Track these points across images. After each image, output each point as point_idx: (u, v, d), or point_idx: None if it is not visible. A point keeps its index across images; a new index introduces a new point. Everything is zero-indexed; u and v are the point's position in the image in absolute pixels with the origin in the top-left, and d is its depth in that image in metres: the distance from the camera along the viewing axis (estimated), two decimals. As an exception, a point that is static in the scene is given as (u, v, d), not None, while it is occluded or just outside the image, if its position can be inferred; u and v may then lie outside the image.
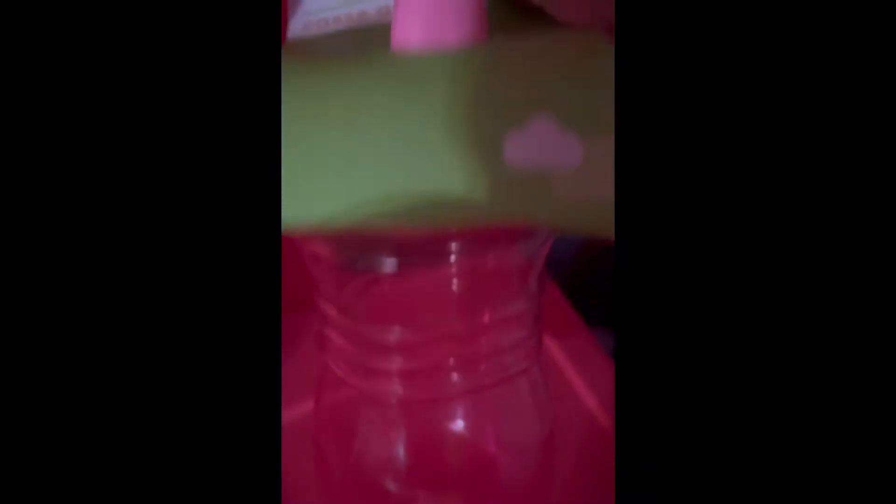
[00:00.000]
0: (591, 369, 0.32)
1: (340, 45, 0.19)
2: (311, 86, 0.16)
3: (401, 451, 0.24)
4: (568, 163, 0.14)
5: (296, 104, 0.15)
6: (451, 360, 0.21)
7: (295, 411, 0.28)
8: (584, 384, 0.32)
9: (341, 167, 0.14)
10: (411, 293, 0.22)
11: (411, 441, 0.24)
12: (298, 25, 0.21)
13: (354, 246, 0.20)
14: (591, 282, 0.38)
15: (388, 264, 0.21)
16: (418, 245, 0.20)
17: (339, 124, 0.15)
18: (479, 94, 0.14)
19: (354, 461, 0.24)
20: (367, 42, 0.19)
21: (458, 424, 0.25)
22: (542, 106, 0.14)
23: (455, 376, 0.22)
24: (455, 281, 0.21)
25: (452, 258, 0.20)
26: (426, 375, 0.22)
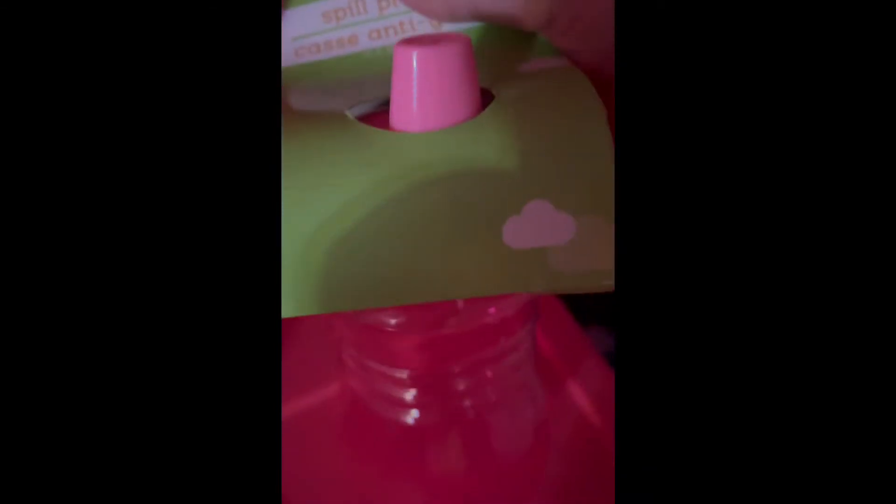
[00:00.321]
0: (583, 369, 0.33)
1: (336, 87, 0.19)
2: (307, 169, 0.16)
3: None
4: (562, 240, 0.15)
5: (291, 190, 0.15)
6: (462, 386, 0.24)
7: (291, 407, 0.28)
8: (577, 383, 0.32)
9: (341, 255, 0.15)
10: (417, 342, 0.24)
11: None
12: (290, 51, 0.21)
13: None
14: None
15: (392, 322, 0.22)
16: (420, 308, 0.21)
17: (337, 211, 0.15)
18: (478, 179, 0.15)
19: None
20: (364, 83, 0.19)
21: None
22: (538, 192, 0.15)
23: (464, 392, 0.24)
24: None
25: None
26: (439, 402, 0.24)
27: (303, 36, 0.21)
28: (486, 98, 0.17)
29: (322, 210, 0.15)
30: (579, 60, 0.18)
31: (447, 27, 0.20)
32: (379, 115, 0.17)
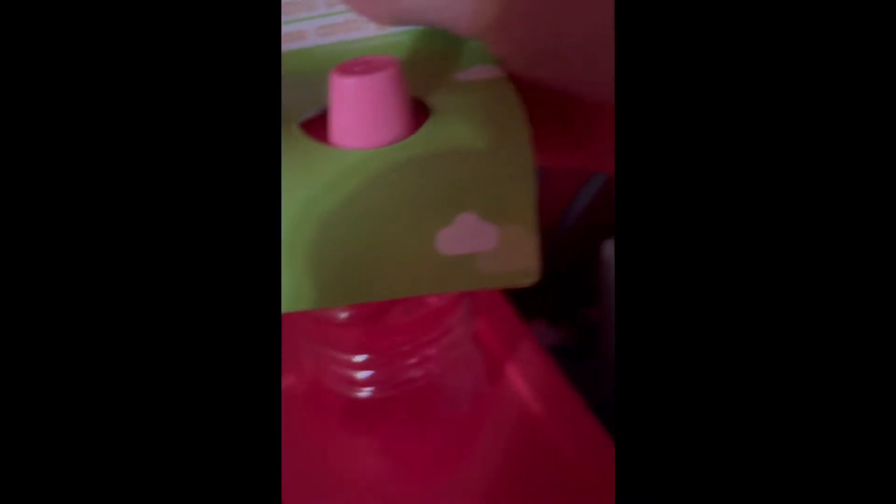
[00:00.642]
0: (525, 360, 0.34)
1: (285, 87, 0.19)
2: None
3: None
4: (488, 246, 0.17)
5: None
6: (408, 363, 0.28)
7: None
8: (518, 373, 0.33)
9: (288, 258, 0.16)
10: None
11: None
12: None
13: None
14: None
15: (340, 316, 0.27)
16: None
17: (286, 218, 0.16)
18: (413, 193, 0.17)
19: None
20: (311, 84, 0.19)
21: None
22: (467, 206, 0.17)
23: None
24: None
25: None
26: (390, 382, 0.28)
27: None
28: (422, 109, 0.18)
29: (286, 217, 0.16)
30: (514, 65, 0.19)
31: (391, 29, 0.21)
32: (324, 120, 0.18)
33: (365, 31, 0.21)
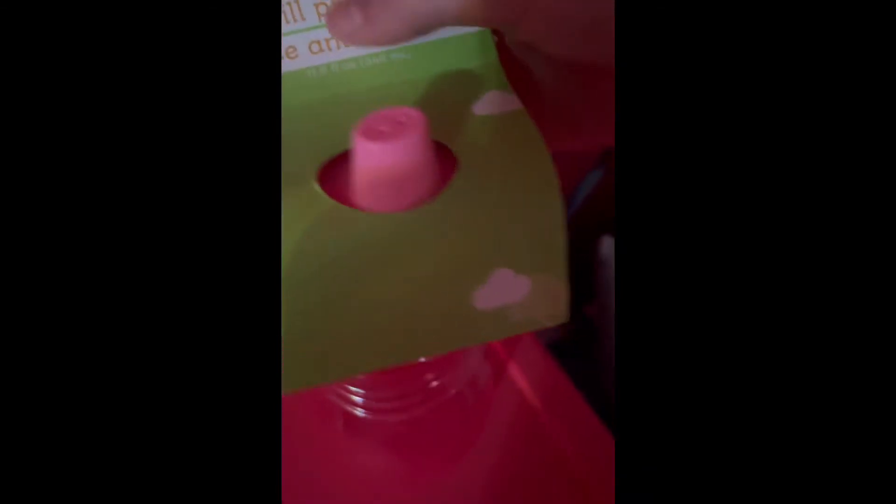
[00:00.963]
0: (526, 356, 0.34)
1: (289, 132, 0.18)
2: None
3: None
4: (520, 297, 0.17)
5: None
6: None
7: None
8: (519, 370, 0.34)
9: (324, 329, 0.16)
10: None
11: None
12: None
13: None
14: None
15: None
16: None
17: (316, 287, 0.16)
18: (448, 255, 0.16)
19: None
20: (315, 128, 0.18)
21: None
22: (501, 263, 0.17)
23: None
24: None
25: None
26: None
27: None
28: (444, 153, 0.18)
29: (293, 287, 0.15)
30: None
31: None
32: (340, 166, 0.17)
33: (359, 49, 0.20)
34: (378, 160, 0.16)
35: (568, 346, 0.43)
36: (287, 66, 0.19)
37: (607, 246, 0.37)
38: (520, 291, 0.17)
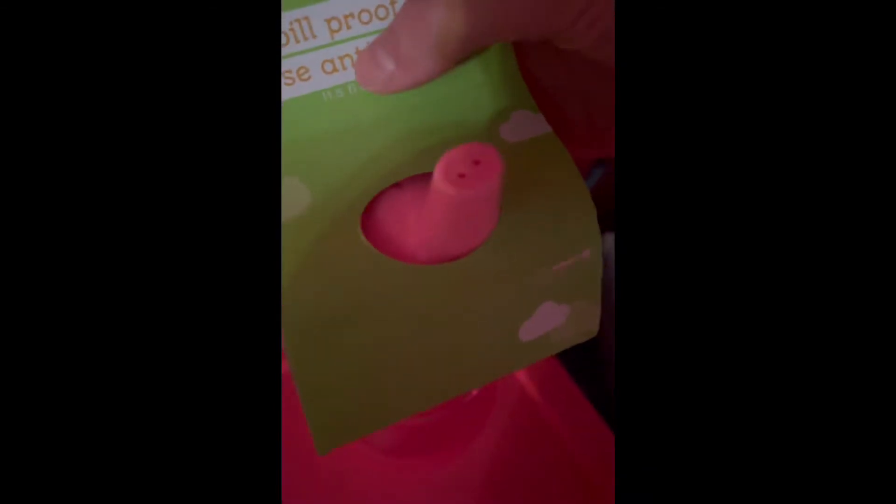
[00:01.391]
0: None
1: (315, 169, 0.17)
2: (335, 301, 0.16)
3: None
4: (559, 323, 0.18)
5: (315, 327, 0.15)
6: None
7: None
8: None
9: (373, 385, 0.16)
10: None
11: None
12: None
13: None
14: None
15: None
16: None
17: (370, 342, 0.16)
18: (500, 300, 0.17)
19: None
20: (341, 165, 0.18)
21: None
22: (546, 297, 0.17)
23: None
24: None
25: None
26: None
27: None
28: None
29: (357, 341, 0.16)
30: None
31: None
32: (384, 203, 0.17)
33: None
34: (456, 206, 0.15)
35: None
36: (301, 88, 0.18)
37: (608, 243, 0.37)
38: (559, 318, 0.18)
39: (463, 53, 0.17)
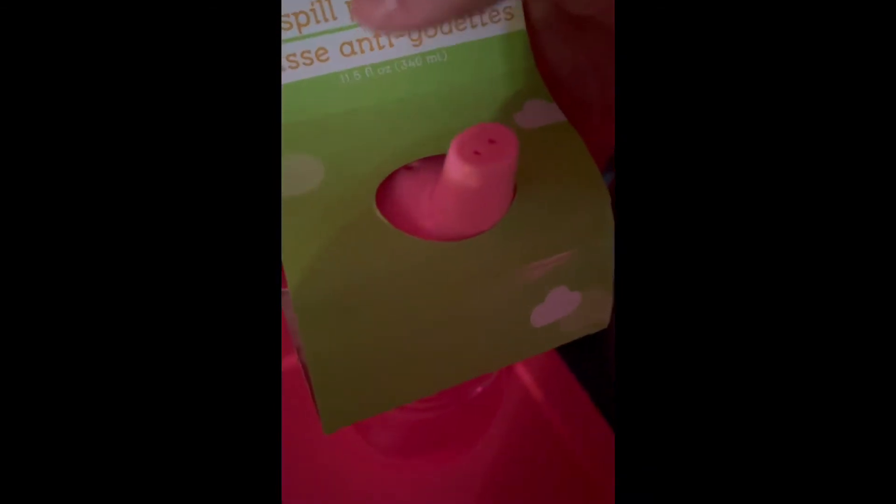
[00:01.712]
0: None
1: (328, 145, 0.17)
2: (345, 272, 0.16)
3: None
4: (570, 310, 0.18)
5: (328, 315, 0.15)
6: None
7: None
8: (522, 363, 0.34)
9: (385, 357, 0.16)
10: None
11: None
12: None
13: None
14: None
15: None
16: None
17: (384, 319, 0.16)
18: (512, 280, 0.17)
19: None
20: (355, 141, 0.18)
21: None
22: (558, 282, 0.17)
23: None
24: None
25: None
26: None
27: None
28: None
29: (369, 316, 0.16)
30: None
31: (423, 48, 0.18)
32: (398, 184, 0.17)
33: (394, 51, 0.18)
34: (471, 183, 0.15)
35: (575, 341, 0.43)
36: (318, 69, 0.18)
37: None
38: (571, 305, 0.18)
39: (468, 5, 0.16)
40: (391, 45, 0.18)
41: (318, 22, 0.17)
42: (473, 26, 0.19)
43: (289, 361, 0.29)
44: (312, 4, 0.17)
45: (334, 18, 0.18)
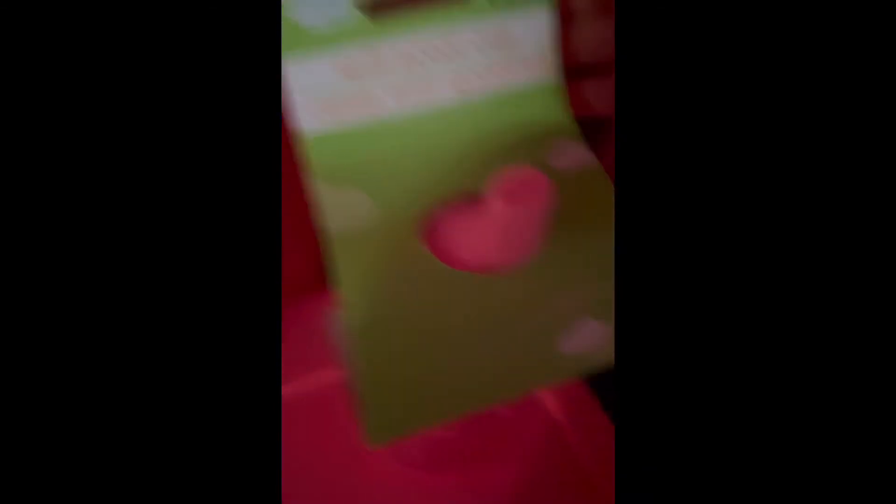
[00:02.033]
0: None
1: (381, 184, 0.19)
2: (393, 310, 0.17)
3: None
4: (598, 342, 0.18)
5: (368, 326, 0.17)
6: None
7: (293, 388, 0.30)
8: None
9: (418, 384, 0.17)
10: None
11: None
12: (309, 114, 0.20)
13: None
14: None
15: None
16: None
17: (412, 342, 0.17)
18: (543, 312, 0.18)
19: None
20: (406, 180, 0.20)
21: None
22: (584, 312, 0.18)
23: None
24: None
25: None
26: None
27: (315, 89, 0.20)
28: None
29: (411, 340, 0.17)
30: None
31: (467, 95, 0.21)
32: (440, 219, 0.19)
33: (438, 96, 0.21)
34: (509, 221, 0.17)
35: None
36: (367, 112, 0.20)
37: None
38: (598, 337, 0.18)
39: None
40: (433, 90, 0.21)
41: (368, 71, 0.20)
42: (513, 74, 0.21)
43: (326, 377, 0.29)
44: (363, 55, 0.20)
45: (384, 66, 0.20)
